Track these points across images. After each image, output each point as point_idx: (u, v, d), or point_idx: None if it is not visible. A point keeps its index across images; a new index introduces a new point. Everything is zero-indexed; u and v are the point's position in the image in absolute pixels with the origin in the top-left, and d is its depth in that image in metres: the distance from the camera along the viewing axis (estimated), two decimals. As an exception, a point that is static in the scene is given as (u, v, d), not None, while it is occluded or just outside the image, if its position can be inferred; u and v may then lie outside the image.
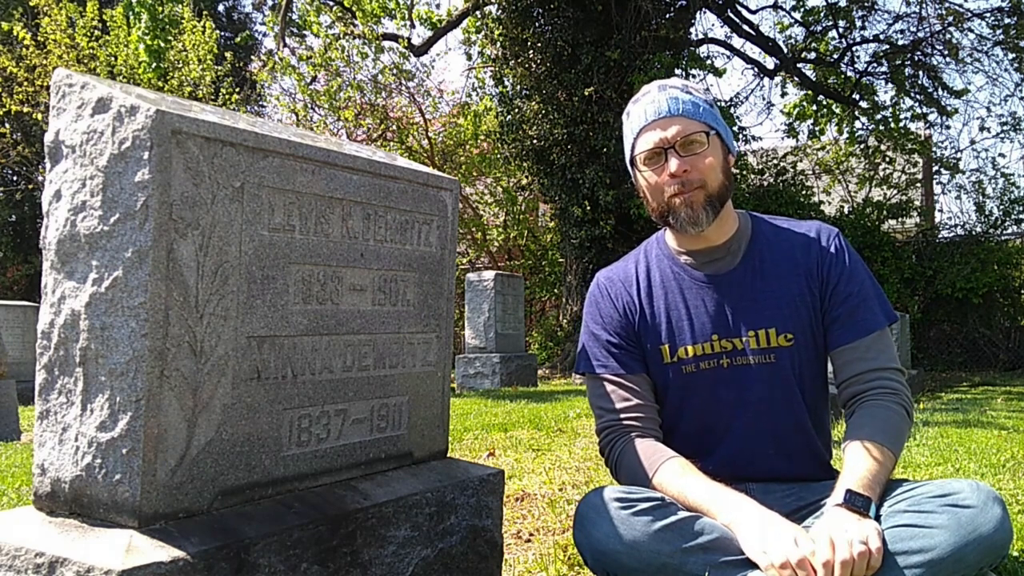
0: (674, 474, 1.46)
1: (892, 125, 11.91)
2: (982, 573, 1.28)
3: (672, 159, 1.52)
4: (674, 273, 1.65)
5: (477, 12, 11.58)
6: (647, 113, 1.56)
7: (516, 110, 10.98)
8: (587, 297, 1.76)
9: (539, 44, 10.51)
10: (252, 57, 16.77)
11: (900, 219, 12.29)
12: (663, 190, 1.55)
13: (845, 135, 12.99)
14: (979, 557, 1.24)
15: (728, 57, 12.63)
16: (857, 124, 12.81)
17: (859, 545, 1.21)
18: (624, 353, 1.64)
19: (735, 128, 10.86)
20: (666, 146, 1.53)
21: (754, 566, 1.28)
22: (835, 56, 12.13)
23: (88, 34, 13.82)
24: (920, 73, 11.80)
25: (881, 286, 1.63)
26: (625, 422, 1.58)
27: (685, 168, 1.52)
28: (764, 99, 20.80)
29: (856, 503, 1.31)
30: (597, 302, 1.71)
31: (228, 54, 14.69)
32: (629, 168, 1.67)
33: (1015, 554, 1.75)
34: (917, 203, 13.07)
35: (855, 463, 1.39)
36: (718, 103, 1.69)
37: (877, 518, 1.33)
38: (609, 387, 1.62)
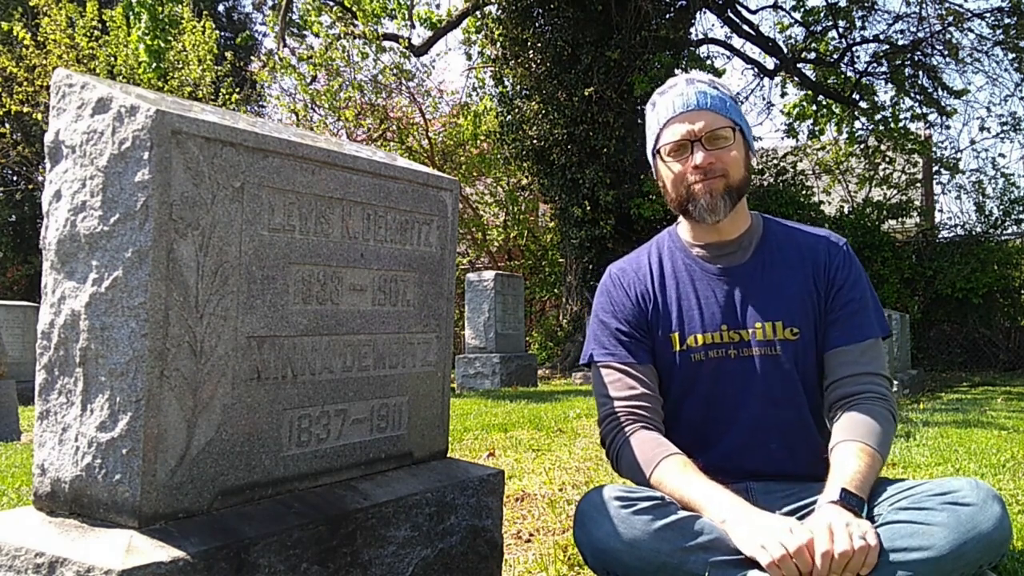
0: (672, 472, 1.47)
1: (892, 125, 11.90)
2: (981, 571, 1.28)
3: (698, 152, 1.55)
4: (686, 264, 1.67)
5: (477, 12, 11.59)
6: (675, 105, 1.59)
7: (516, 110, 10.98)
8: (598, 288, 1.78)
9: (539, 44, 10.51)
10: (252, 57, 16.76)
11: (900, 219, 12.29)
12: (686, 179, 1.58)
13: (845, 135, 12.99)
14: (978, 555, 1.25)
15: (728, 57, 12.65)
16: (857, 124, 12.82)
17: (859, 540, 1.21)
18: (633, 342, 1.65)
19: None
20: (693, 139, 1.56)
21: (753, 565, 1.28)
22: (835, 56, 12.13)
23: (88, 34, 13.81)
24: (920, 73, 11.80)
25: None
26: (629, 411, 1.59)
27: (711, 161, 1.55)
28: (764, 99, 20.82)
29: (851, 502, 1.31)
30: (609, 291, 1.72)
31: (228, 54, 14.69)
32: (650, 157, 1.69)
33: (1015, 554, 1.75)
34: (917, 203, 13.07)
35: (847, 463, 1.40)
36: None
37: (869, 519, 1.33)
38: (616, 375, 1.63)
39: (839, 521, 1.25)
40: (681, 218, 1.71)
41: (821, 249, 1.64)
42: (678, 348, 1.63)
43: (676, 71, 10.36)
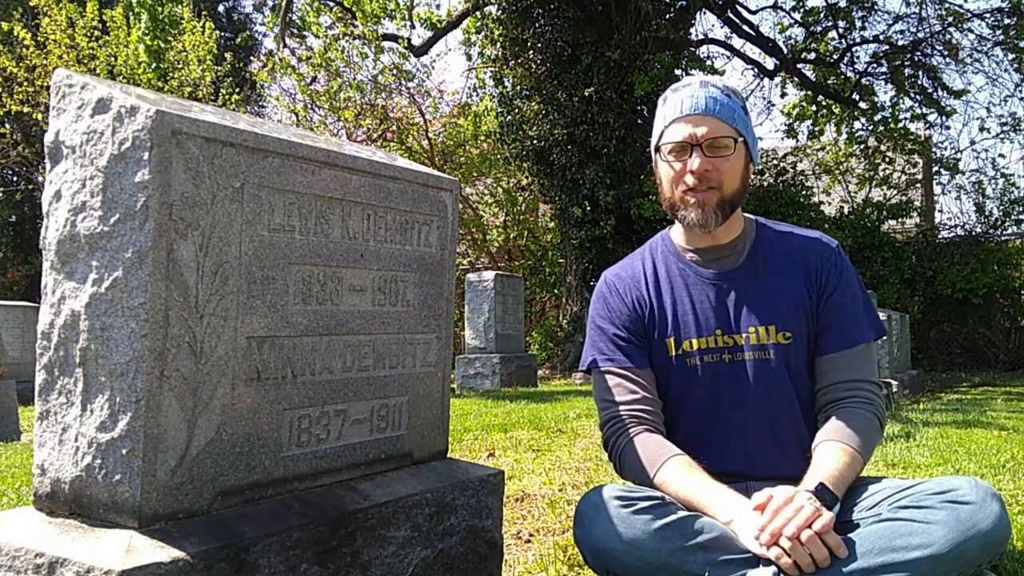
0: (677, 473, 1.47)
1: (892, 125, 11.90)
2: (980, 570, 1.28)
3: (696, 157, 1.55)
4: (680, 269, 1.68)
5: (477, 12, 11.59)
6: (683, 105, 1.58)
7: (516, 110, 10.99)
8: (594, 295, 1.79)
9: (539, 44, 10.52)
10: (252, 57, 16.77)
11: (900, 219, 12.28)
12: (682, 183, 1.58)
13: (845, 135, 12.98)
14: (978, 553, 1.25)
15: (728, 57, 12.65)
16: (857, 124, 12.81)
17: (818, 524, 1.26)
18: (631, 347, 1.66)
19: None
20: (694, 142, 1.56)
21: (754, 565, 1.28)
22: (835, 56, 12.13)
23: (88, 34, 13.81)
24: (920, 73, 11.80)
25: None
26: (630, 415, 1.59)
27: (707, 168, 1.54)
28: (764, 99, 20.76)
29: (825, 496, 1.34)
30: (605, 298, 1.73)
31: (228, 54, 14.68)
32: (652, 153, 1.69)
33: (1016, 554, 1.75)
34: (917, 203, 13.06)
35: (827, 461, 1.43)
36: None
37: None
38: (615, 380, 1.64)
39: (809, 503, 1.30)
40: (675, 222, 1.71)
41: (813, 253, 1.64)
42: (673, 353, 1.64)
43: (676, 71, 10.38)
